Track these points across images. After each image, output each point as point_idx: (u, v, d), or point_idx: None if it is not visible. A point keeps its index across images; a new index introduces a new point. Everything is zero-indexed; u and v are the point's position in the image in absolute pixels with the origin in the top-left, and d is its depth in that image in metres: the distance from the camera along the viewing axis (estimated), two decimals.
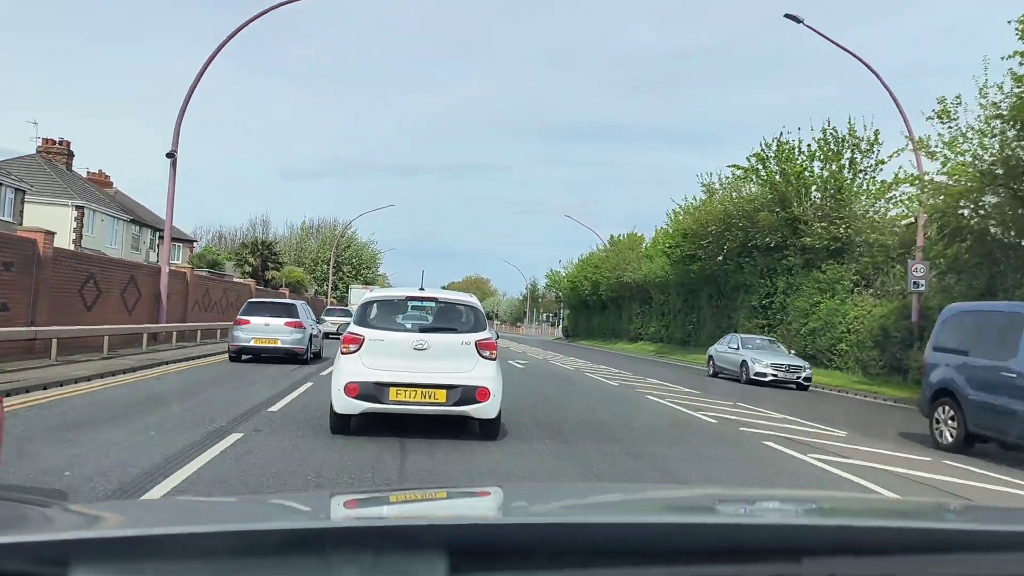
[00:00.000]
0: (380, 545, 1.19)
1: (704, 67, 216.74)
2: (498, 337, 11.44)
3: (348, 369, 8.50)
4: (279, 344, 18.52)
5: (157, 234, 50.48)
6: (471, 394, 8.48)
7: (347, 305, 53.17)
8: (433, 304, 9.30)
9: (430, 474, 7.19)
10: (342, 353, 8.69)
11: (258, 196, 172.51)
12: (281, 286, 47.04)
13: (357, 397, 8.38)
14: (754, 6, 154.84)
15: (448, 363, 8.59)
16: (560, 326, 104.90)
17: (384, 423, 8.96)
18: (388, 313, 9.07)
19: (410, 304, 9.35)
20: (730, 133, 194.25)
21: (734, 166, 31.33)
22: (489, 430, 8.88)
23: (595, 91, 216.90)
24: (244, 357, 18.85)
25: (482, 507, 1.99)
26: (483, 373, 8.63)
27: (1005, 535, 1.52)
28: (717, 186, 35.97)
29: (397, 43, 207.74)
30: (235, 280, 32.79)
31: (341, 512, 1.81)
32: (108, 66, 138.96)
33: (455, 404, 8.49)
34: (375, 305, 9.12)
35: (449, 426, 9.22)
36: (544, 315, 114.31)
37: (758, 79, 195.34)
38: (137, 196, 70.44)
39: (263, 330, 18.49)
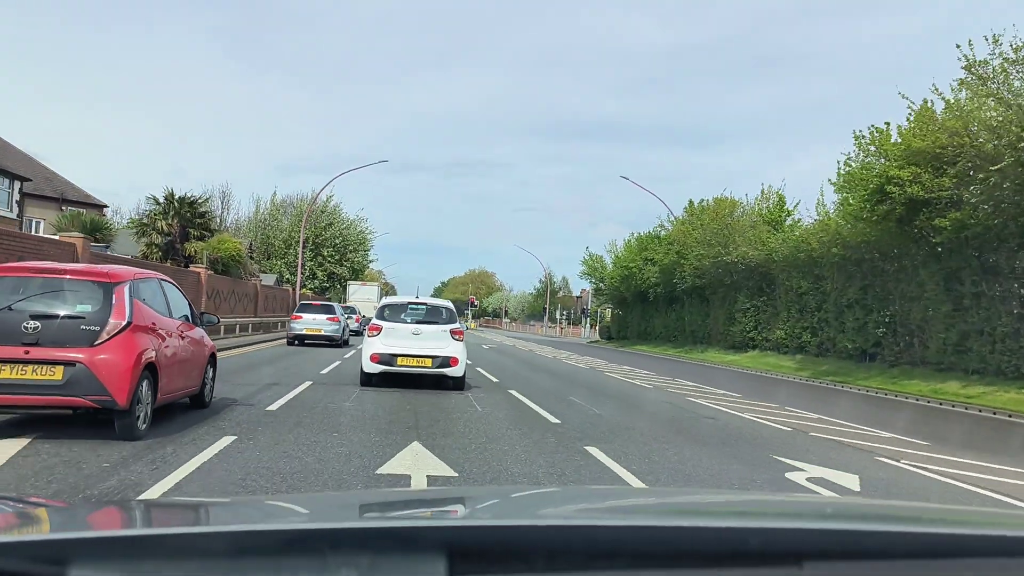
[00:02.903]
0: (378, 546, 1.18)
1: (705, 65, 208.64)
2: (468, 329, 17.79)
3: (372, 346, 13.64)
4: (322, 332, 26.14)
5: (22, 185, 32.96)
6: (447, 361, 13.49)
7: (343, 302, 47.20)
8: (424, 307, 14.49)
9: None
10: (368, 336, 14.00)
11: (255, 191, 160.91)
12: (196, 260, 29.60)
13: (378, 362, 13.47)
14: (755, 3, 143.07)
15: (433, 342, 13.59)
16: (587, 323, 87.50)
17: (392, 380, 13.69)
18: (397, 312, 14.22)
19: (409, 306, 14.44)
20: (731, 131, 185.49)
21: None
22: (458, 384, 13.85)
23: (596, 89, 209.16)
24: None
25: (481, 509, 1.90)
26: (454, 348, 13.63)
27: (1008, 540, 1.45)
28: (1012, 55, 18.49)
29: (397, 40, 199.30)
30: (42, 237, 15.33)
31: (339, 513, 1.82)
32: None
33: (437, 367, 13.51)
34: (388, 307, 14.47)
35: (433, 381, 13.91)
36: (566, 312, 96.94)
37: (759, 76, 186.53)
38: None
39: (311, 323, 26.18)
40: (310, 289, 61.32)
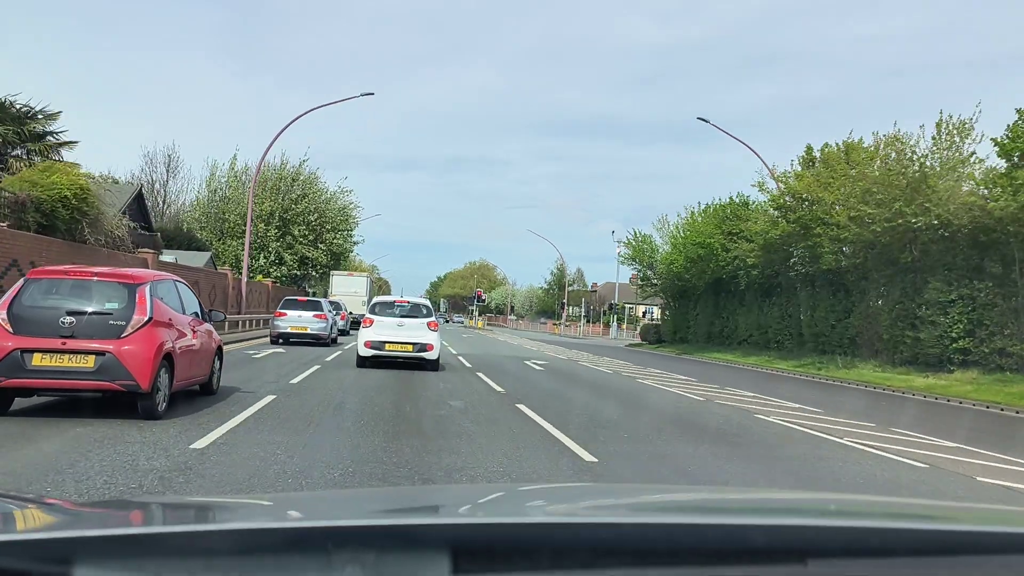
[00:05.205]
0: (383, 544, 1.17)
1: (703, 62, 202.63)
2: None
3: (366, 334, 17.17)
4: (308, 331, 24.92)
5: None
6: (424, 347, 16.92)
7: (327, 295, 41.86)
8: (407, 304, 18.17)
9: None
10: (363, 327, 17.51)
11: (209, 155, 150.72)
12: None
13: (370, 348, 16.90)
14: (753, 1, 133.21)
15: (413, 332, 17.08)
16: (613, 320, 73.84)
17: (382, 363, 17.19)
18: (385, 308, 17.81)
19: (396, 304, 18.23)
20: (729, 129, 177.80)
21: None
22: (433, 366, 17.17)
23: (593, 87, 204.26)
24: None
25: (485, 507, 1.87)
26: (430, 337, 17.11)
27: (1012, 537, 1.43)
28: None
29: (393, 38, 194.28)
30: None
31: (343, 511, 1.80)
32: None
33: (417, 352, 16.92)
34: (378, 304, 18.14)
35: (413, 364, 17.29)
36: (591, 308, 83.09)
37: (757, 75, 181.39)
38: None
39: (296, 320, 24.98)
40: (275, 278, 47.48)
